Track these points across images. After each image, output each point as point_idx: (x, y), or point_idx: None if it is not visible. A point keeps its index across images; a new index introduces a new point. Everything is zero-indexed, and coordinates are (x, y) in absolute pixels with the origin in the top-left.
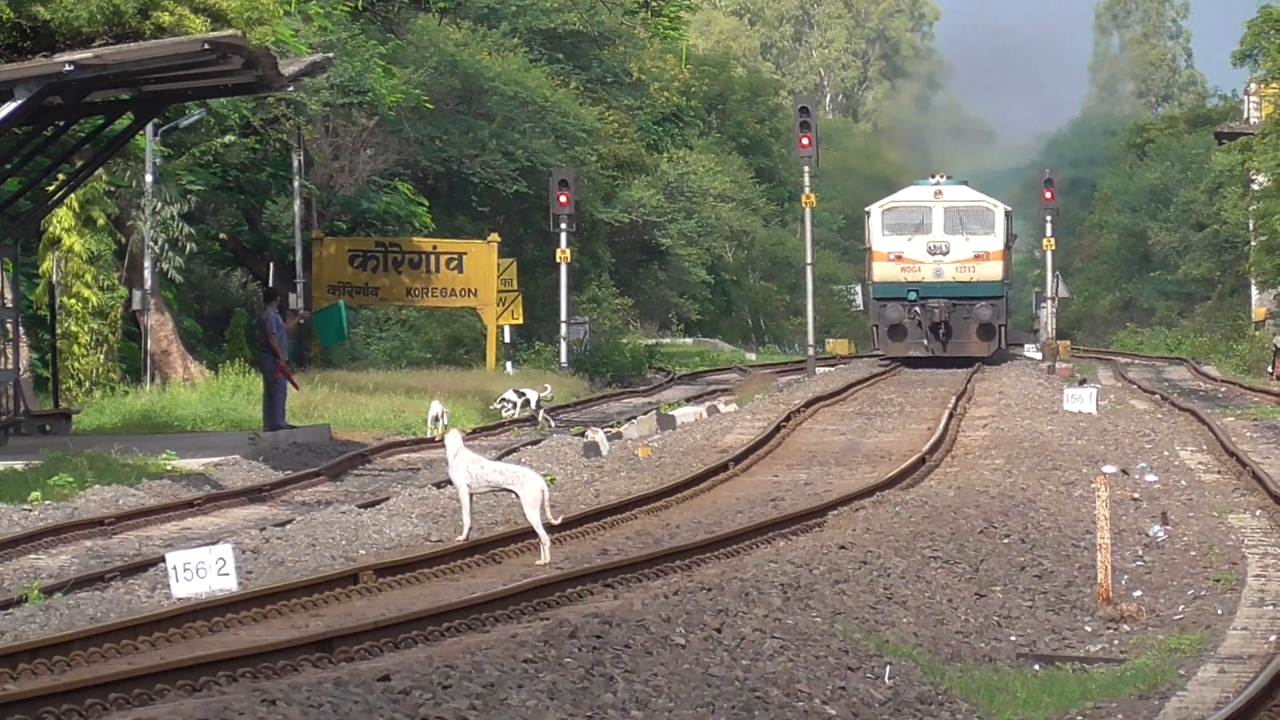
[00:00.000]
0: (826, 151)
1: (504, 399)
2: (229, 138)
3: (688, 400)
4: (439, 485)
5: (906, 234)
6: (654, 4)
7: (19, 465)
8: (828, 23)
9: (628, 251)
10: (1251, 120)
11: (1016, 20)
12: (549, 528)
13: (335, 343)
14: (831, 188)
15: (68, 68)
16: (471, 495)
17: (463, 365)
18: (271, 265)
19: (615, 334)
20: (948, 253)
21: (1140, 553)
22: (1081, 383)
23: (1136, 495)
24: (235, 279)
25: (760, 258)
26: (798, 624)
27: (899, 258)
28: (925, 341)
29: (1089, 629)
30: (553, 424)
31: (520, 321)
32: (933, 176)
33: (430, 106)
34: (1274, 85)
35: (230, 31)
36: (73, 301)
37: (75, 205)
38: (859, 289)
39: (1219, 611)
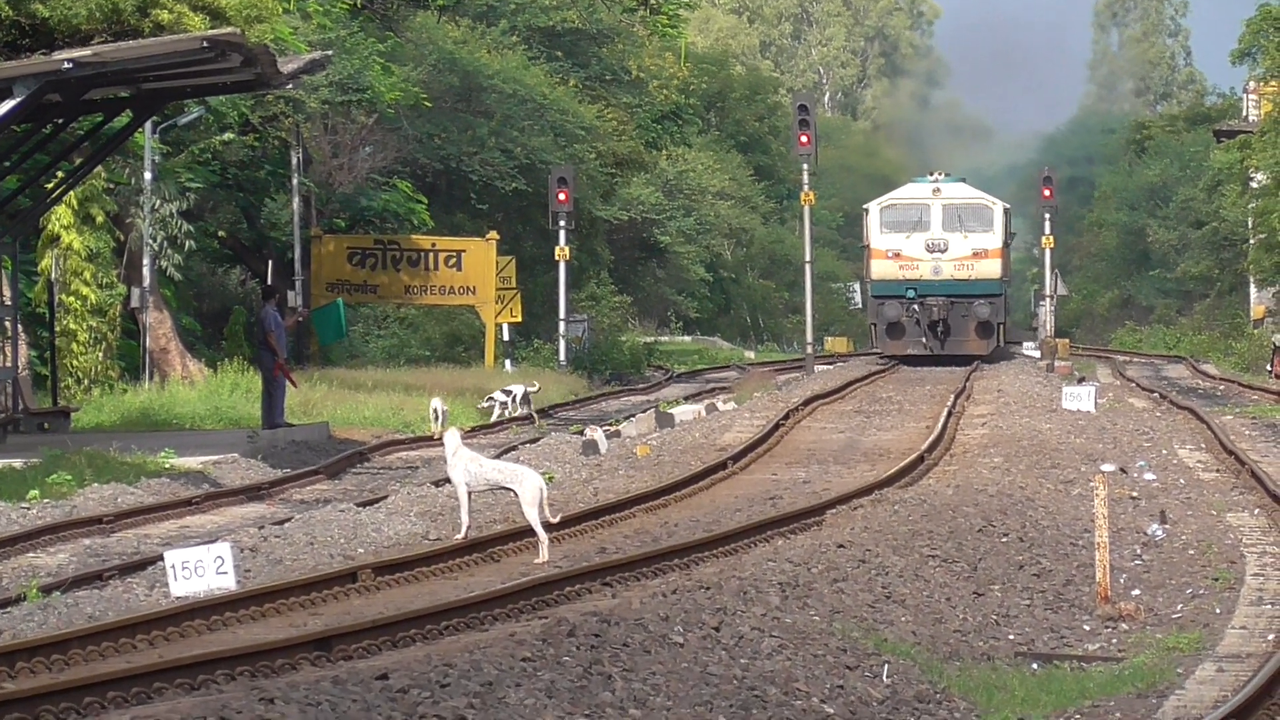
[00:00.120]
0: (825, 149)
1: (491, 398)
2: (228, 135)
3: (686, 398)
4: (437, 484)
5: (905, 231)
6: (653, 2)
7: (17, 463)
8: (827, 21)
9: (626, 249)
10: (1250, 118)
11: (1015, 18)
12: (547, 526)
13: (334, 340)
14: (830, 185)
15: (67, 65)
16: (470, 493)
17: (461, 363)
18: (270, 263)
19: (614, 332)
20: (946, 250)
21: (1139, 551)
22: (1080, 381)
23: (1135, 494)
24: (234, 277)
25: (759, 255)
26: (796, 623)
27: (897, 255)
28: (924, 339)
29: (1087, 627)
30: (536, 418)
31: (519, 319)
32: (931, 174)
33: (429, 104)
34: (1273, 83)
35: (229, 29)
36: (71, 299)
37: (74, 203)
38: (858, 287)
39: (1217, 610)
